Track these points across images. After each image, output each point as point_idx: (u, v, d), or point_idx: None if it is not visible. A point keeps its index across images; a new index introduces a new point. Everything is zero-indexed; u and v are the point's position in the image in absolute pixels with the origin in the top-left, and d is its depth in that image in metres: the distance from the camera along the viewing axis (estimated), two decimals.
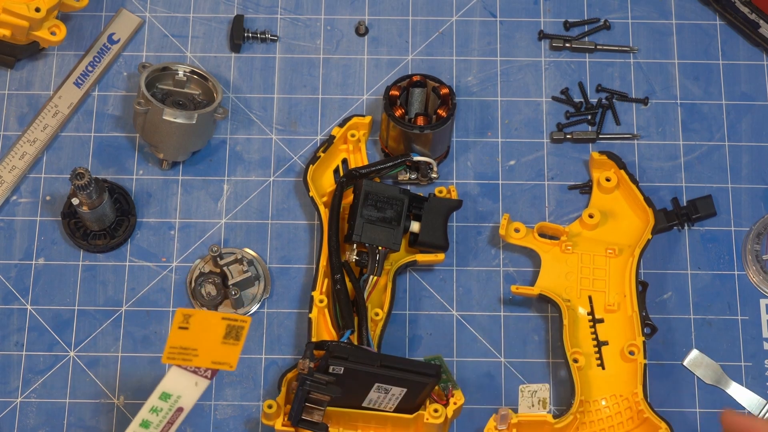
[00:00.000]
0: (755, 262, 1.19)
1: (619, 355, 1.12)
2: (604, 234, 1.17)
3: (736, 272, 1.19)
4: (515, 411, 1.08)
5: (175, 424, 0.98)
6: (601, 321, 1.14)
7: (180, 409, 0.98)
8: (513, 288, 1.15)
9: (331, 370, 1.04)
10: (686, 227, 1.21)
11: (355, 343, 1.11)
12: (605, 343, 1.13)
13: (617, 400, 1.11)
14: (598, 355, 1.12)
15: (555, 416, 1.09)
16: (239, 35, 1.26)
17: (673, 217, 1.20)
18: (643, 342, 1.12)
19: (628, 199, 1.18)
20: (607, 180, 1.18)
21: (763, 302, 1.18)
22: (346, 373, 1.04)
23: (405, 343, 1.17)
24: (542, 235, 1.17)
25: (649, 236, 1.15)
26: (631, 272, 1.14)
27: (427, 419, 1.07)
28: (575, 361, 1.11)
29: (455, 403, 1.08)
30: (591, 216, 1.16)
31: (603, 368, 1.12)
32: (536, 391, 1.08)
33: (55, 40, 1.20)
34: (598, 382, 1.12)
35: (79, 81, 1.25)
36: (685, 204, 1.21)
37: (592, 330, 1.13)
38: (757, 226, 1.20)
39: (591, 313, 1.14)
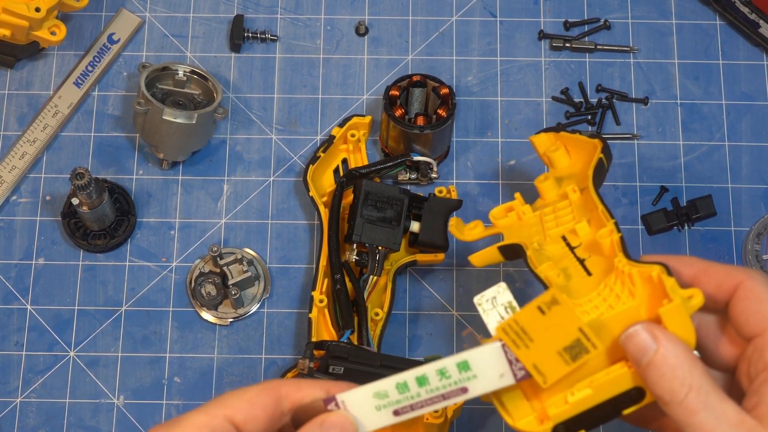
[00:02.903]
0: (755, 262, 1.19)
1: (601, 257, 0.98)
2: (563, 190, 1.04)
3: None
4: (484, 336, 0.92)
5: (448, 402, 0.84)
6: (578, 246, 1.01)
7: (464, 390, 0.84)
8: (470, 258, 1.03)
9: (331, 370, 1.04)
10: (686, 227, 1.21)
11: (355, 343, 1.11)
12: (588, 257, 0.99)
13: (609, 284, 0.94)
14: (582, 268, 0.98)
15: None
16: (239, 35, 1.26)
17: (673, 217, 1.20)
18: (615, 223, 0.97)
19: (579, 153, 1.07)
20: (554, 150, 1.07)
21: None
22: (346, 373, 1.04)
23: (405, 343, 1.17)
24: None
25: (600, 155, 1.04)
26: (591, 191, 1.01)
27: (427, 419, 1.07)
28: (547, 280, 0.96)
29: (455, 403, 1.08)
30: (543, 179, 1.04)
31: (590, 274, 0.98)
32: (495, 297, 0.89)
33: (55, 40, 1.20)
34: (586, 285, 0.96)
35: (79, 81, 1.25)
36: (685, 204, 1.21)
37: (571, 254, 1.00)
38: (757, 226, 1.20)
39: (567, 244, 1.01)
